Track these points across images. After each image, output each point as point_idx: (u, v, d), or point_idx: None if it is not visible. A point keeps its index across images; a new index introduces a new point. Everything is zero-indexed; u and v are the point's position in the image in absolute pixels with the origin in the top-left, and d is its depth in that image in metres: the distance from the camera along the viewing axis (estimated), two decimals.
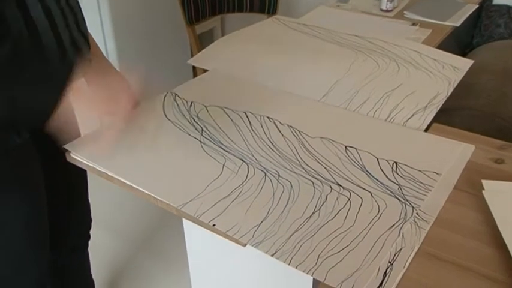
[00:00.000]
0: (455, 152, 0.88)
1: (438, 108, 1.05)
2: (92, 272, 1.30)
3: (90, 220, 1.15)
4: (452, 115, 1.34)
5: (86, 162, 0.79)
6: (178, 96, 1.01)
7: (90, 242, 1.20)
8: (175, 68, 2.14)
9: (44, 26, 0.72)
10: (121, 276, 1.60)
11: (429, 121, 1.00)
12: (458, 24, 1.55)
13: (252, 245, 0.66)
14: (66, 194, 1.02)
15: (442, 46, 1.43)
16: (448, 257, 0.67)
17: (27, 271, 0.89)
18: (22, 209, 0.83)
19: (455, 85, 1.15)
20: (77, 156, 0.80)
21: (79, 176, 1.03)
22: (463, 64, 1.25)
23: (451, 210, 0.76)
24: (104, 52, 1.94)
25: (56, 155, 0.84)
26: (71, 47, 0.77)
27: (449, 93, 1.12)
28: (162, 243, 1.71)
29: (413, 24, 1.51)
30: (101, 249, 1.66)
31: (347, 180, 0.80)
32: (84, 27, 0.83)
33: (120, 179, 0.76)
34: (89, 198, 1.12)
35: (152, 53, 2.07)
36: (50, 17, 0.73)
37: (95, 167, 0.79)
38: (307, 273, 0.62)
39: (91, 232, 1.17)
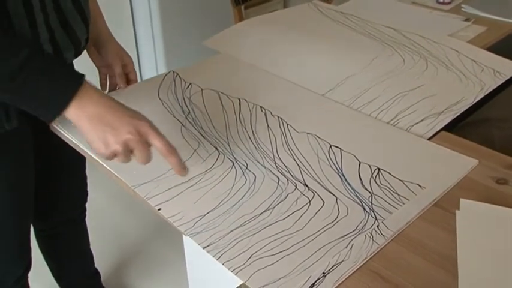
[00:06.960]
0: (451, 165, 0.80)
1: (456, 115, 0.95)
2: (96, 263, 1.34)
3: (86, 194, 1.17)
4: (492, 126, 1.20)
5: (65, 134, 0.83)
6: (179, 77, 1.01)
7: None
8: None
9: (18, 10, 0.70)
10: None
11: (439, 128, 0.91)
12: None
13: (188, 235, 0.65)
14: (60, 166, 1.04)
15: (496, 48, 1.28)
16: (396, 279, 0.61)
17: (4, 237, 0.91)
18: (5, 176, 0.84)
19: (487, 92, 1.03)
20: (59, 127, 0.83)
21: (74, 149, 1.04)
22: (508, 68, 1.11)
23: (421, 228, 0.69)
24: (149, 28, 1.96)
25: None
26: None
27: (476, 100, 1.00)
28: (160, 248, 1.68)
29: (467, 19, 1.37)
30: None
31: (316, 181, 0.75)
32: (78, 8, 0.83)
33: (88, 152, 0.79)
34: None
35: (197, 33, 2.05)
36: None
37: (72, 140, 0.82)
38: (232, 271, 0.60)
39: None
